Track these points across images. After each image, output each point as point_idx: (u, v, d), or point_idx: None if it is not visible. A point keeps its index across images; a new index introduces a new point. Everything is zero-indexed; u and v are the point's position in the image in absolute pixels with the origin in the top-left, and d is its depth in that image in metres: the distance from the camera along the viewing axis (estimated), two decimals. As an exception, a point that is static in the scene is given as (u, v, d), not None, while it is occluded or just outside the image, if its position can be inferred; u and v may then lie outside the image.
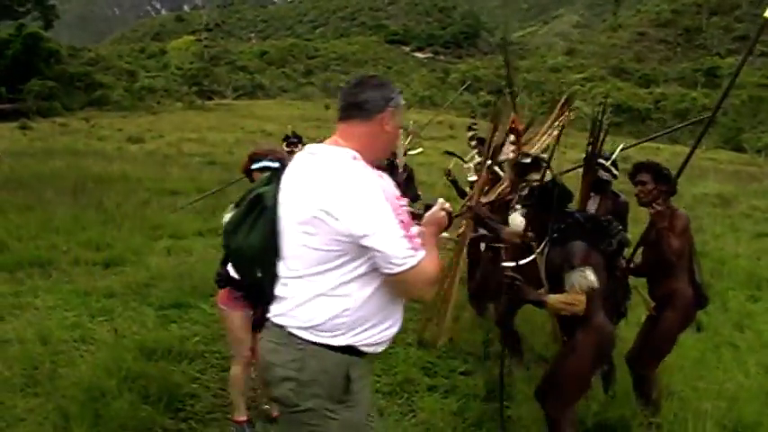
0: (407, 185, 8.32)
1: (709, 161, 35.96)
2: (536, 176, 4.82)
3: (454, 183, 8.32)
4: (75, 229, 11.26)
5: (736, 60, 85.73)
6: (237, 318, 4.77)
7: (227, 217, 3.50)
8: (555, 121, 6.95)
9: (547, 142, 7.08)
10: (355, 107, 2.97)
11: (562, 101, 6.90)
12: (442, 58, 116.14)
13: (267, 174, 3.20)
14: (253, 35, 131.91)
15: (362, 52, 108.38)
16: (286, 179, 2.97)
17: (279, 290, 2.94)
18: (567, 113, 6.84)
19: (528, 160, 5.05)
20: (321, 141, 3.03)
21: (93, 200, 13.76)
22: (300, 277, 2.85)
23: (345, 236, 2.72)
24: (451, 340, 6.75)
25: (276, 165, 4.71)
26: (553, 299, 4.19)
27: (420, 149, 8.79)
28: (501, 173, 6.94)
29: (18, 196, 13.66)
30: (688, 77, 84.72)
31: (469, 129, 9.19)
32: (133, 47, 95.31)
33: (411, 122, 34.19)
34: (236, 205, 3.29)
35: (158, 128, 39.07)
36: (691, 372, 6.21)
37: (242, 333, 4.80)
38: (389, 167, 8.24)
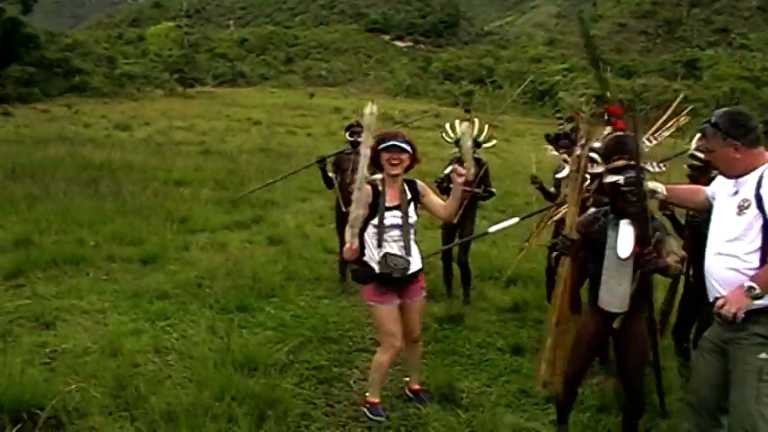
0: (483, 179, 7.74)
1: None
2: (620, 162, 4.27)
3: (541, 189, 7.68)
4: (97, 222, 10.58)
5: (716, 52, 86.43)
6: (385, 311, 4.84)
7: None
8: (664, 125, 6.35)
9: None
10: None
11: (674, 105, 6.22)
12: (422, 47, 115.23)
13: None
14: (231, 22, 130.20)
15: (342, 40, 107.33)
16: None
17: None
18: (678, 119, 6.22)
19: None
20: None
21: (107, 190, 13.07)
22: None
23: None
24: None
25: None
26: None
27: (494, 141, 8.15)
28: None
29: (23, 186, 12.93)
30: (668, 69, 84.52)
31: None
32: (110, 33, 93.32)
33: (397, 111, 33.72)
34: None
35: (143, 115, 38.11)
36: None
37: (393, 326, 4.87)
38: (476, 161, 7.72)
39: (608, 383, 5.47)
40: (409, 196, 4.87)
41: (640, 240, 4.05)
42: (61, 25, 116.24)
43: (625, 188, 4.18)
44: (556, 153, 7.38)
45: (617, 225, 4.20)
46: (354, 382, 5.51)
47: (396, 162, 4.76)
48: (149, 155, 20.33)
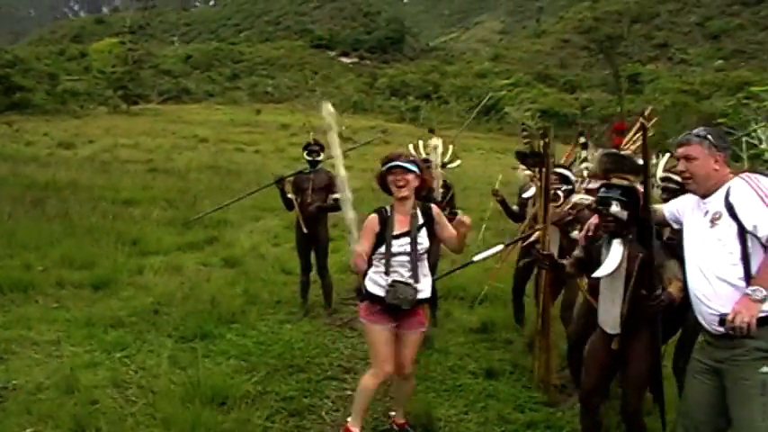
0: (450, 202, 7.58)
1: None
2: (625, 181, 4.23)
3: (503, 203, 7.58)
4: (45, 245, 10.13)
5: (656, 67, 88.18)
6: (376, 332, 4.57)
7: None
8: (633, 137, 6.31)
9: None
10: None
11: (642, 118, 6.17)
12: (368, 63, 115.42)
13: None
14: (176, 38, 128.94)
15: (288, 56, 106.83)
16: None
17: None
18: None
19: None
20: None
21: (53, 211, 12.58)
22: None
23: None
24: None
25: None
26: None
27: (459, 161, 7.98)
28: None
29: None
30: (610, 84, 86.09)
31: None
32: (52, 49, 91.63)
33: (344, 127, 33.60)
34: None
35: (87, 133, 37.27)
36: None
37: (384, 348, 4.57)
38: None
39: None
40: (421, 221, 4.62)
41: (644, 268, 3.95)
42: (1, 41, 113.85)
43: (600, 207, 4.16)
44: (527, 171, 7.29)
45: (610, 244, 4.12)
46: (327, 413, 5.27)
47: (402, 184, 4.52)
48: (95, 173, 19.81)
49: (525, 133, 8.33)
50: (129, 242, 10.80)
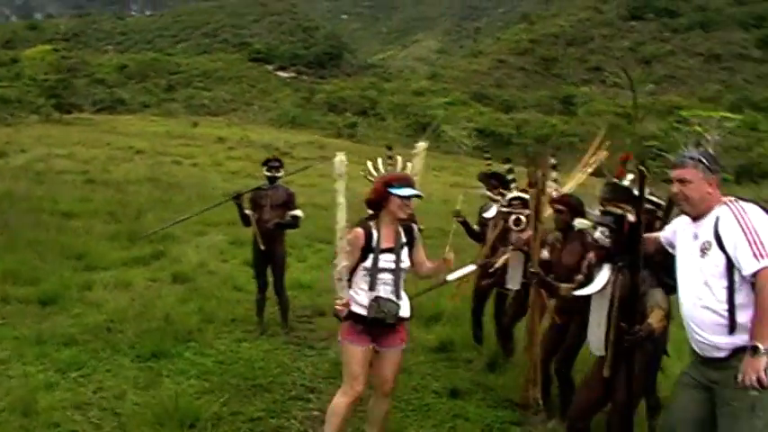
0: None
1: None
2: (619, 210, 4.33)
3: (465, 224, 7.61)
4: (-17, 258, 9.77)
5: (590, 89, 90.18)
6: (354, 351, 4.54)
7: None
8: (591, 158, 6.46)
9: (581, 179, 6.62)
10: None
11: (598, 140, 6.35)
12: (305, 78, 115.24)
13: None
14: (110, 47, 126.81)
15: (225, 69, 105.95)
16: None
17: None
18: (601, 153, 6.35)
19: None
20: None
21: (-9, 222, 12.18)
22: None
23: None
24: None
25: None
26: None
27: (416, 177, 7.92)
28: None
29: None
30: (545, 104, 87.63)
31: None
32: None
33: (282, 142, 33.68)
34: None
35: (18, 141, 36.26)
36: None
37: (358, 367, 4.54)
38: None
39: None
40: (404, 240, 4.62)
41: (628, 299, 3.98)
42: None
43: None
44: (488, 192, 7.36)
45: (601, 268, 4.17)
46: (295, 434, 5.17)
47: (407, 208, 4.55)
48: (31, 184, 19.25)
49: (487, 155, 8.44)
50: (73, 256, 10.51)
